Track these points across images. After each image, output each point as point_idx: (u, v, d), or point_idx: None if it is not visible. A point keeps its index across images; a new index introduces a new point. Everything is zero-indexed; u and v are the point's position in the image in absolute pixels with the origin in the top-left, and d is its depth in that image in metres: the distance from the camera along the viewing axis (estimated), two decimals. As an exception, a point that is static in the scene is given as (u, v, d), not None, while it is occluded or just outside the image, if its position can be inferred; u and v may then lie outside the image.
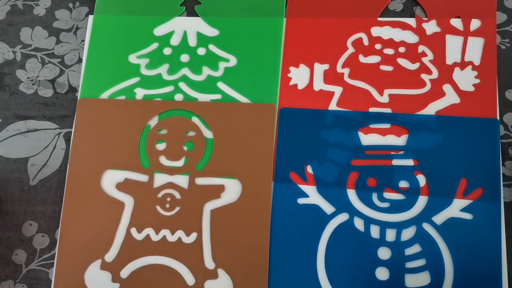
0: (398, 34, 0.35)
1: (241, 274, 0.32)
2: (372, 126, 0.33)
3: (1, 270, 0.34)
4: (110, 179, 0.34)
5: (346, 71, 0.35)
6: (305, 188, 0.33)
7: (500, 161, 0.32)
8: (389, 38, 0.35)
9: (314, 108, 0.34)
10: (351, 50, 0.35)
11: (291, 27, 0.37)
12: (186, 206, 0.33)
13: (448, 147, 0.32)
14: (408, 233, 0.31)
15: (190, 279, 0.32)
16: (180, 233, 0.33)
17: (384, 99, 0.34)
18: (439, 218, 0.31)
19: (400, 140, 0.33)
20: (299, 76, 0.35)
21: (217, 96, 0.36)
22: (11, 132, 0.37)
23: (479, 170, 0.31)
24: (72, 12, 0.40)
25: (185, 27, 0.38)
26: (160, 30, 0.38)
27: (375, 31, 0.36)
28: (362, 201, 0.32)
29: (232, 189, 0.33)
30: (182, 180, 0.34)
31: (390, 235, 0.31)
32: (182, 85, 0.36)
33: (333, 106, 0.34)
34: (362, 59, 0.35)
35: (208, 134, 0.35)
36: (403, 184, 0.32)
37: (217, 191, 0.33)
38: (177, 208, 0.33)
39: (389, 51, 0.35)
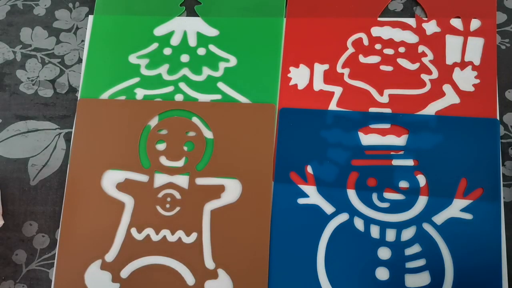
0: (398, 34, 0.35)
1: (241, 274, 0.32)
2: (372, 126, 0.33)
3: (1, 270, 0.34)
4: (110, 179, 0.34)
5: (346, 71, 0.35)
6: (305, 188, 0.33)
7: (500, 161, 0.32)
8: (389, 38, 0.35)
9: (314, 108, 0.34)
10: (351, 50, 0.35)
11: (291, 27, 0.37)
12: (186, 206, 0.33)
13: (448, 147, 0.32)
14: (408, 233, 0.31)
15: (190, 279, 0.32)
16: (180, 233, 0.33)
17: (384, 99, 0.34)
18: (439, 218, 0.31)
19: (400, 140, 0.33)
20: (299, 76, 0.35)
21: (217, 96, 0.36)
22: (11, 132, 0.37)
23: (479, 170, 0.31)
24: (72, 12, 0.40)
25: (185, 27, 0.38)
26: (160, 30, 0.38)
27: (375, 31, 0.36)
28: (362, 201, 0.32)
29: (232, 189, 0.33)
30: (182, 180, 0.34)
31: (390, 235, 0.31)
32: (182, 85, 0.36)
33: (333, 106, 0.34)
34: (362, 59, 0.35)
35: (208, 134, 0.35)
36: (403, 184, 0.32)
37: (217, 191, 0.33)
38: (177, 208, 0.33)
39: (389, 51, 0.35)
